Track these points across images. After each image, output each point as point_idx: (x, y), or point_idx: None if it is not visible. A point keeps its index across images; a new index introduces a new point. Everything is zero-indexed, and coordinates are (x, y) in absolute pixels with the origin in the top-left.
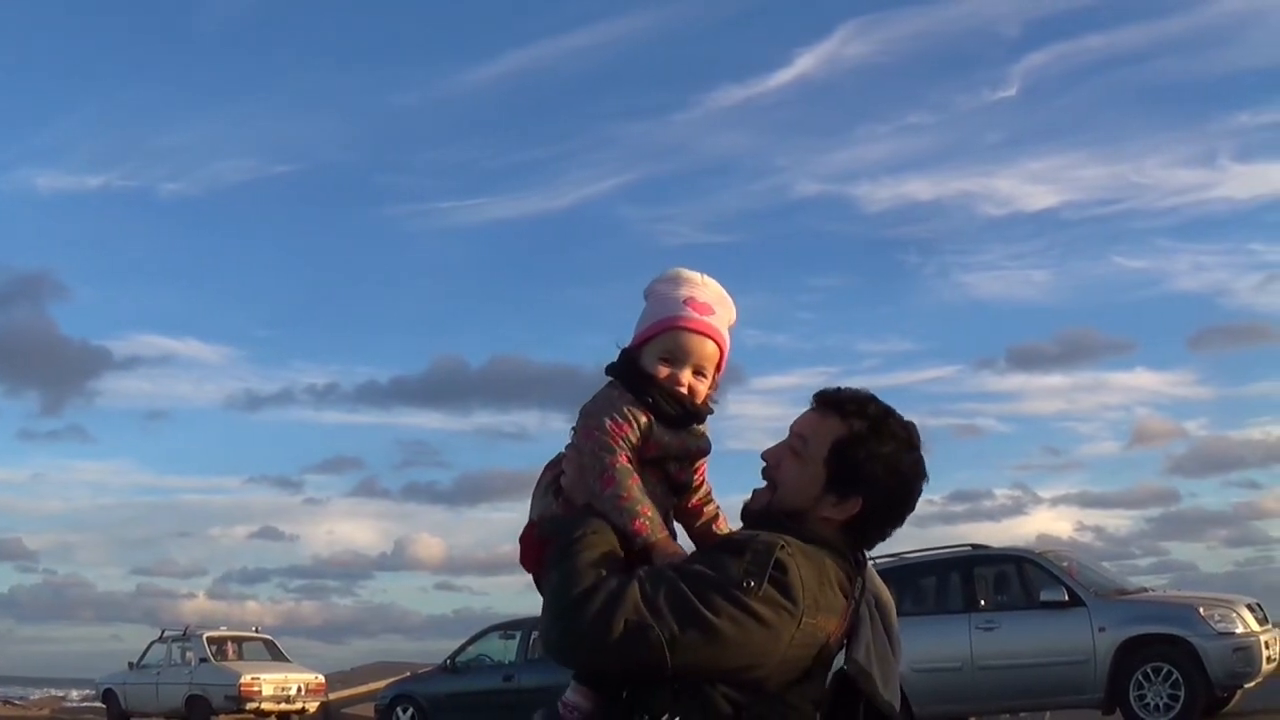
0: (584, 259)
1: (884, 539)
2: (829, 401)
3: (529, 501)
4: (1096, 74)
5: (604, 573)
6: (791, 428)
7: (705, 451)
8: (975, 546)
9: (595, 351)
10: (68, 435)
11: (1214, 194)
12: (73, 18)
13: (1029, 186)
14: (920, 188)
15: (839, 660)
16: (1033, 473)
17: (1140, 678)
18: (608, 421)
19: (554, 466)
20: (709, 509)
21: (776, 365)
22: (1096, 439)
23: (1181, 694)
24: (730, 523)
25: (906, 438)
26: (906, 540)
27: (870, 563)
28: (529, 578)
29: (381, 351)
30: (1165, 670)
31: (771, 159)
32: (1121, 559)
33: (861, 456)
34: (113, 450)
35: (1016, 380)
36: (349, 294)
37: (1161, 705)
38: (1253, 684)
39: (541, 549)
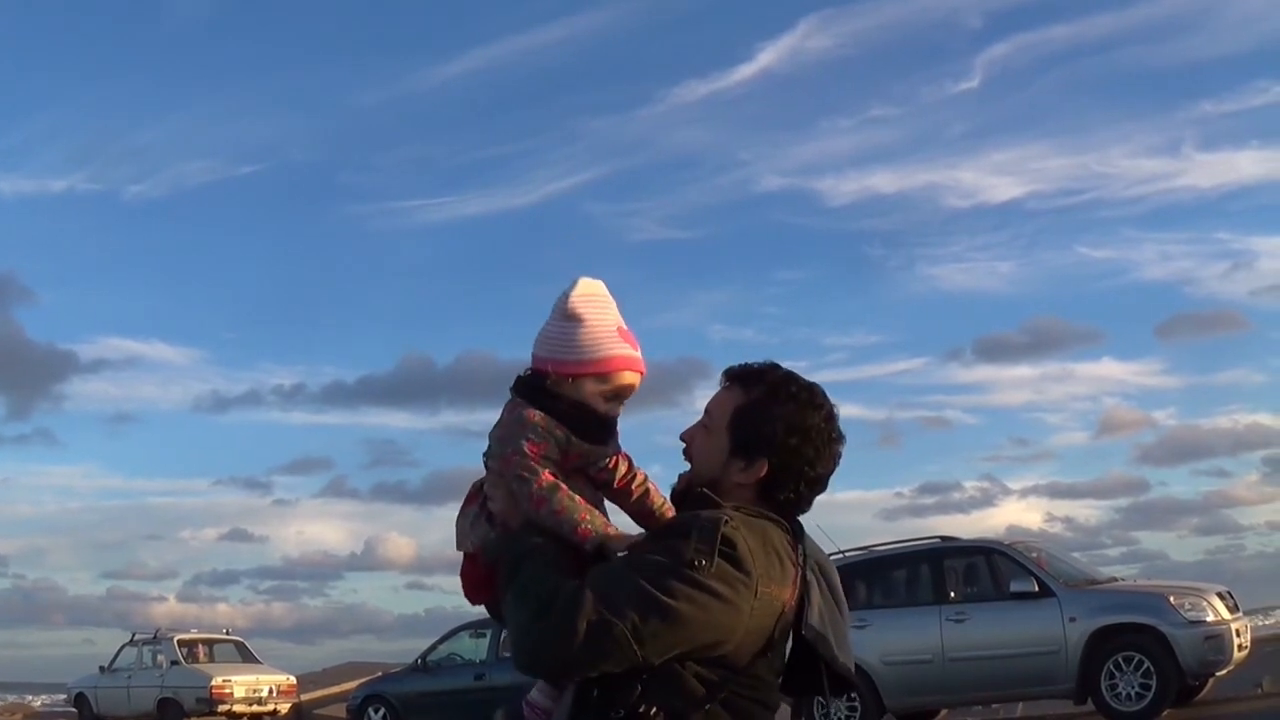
0: (550, 255)
1: (805, 500)
2: (733, 375)
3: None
4: (1059, 64)
5: (556, 581)
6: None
7: (617, 450)
8: (945, 538)
9: None
10: (35, 439)
11: (1179, 183)
12: (33, 20)
13: (993, 178)
14: (884, 180)
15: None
16: (1001, 464)
17: (1111, 667)
18: (525, 444)
19: (474, 495)
20: (636, 485)
21: (743, 359)
22: (1065, 429)
23: (1153, 683)
24: (661, 489)
25: (808, 398)
26: (876, 533)
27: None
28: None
29: (348, 351)
30: (1136, 659)
31: (735, 153)
32: (1091, 549)
33: (760, 419)
34: (80, 454)
35: (984, 372)
36: (315, 294)
37: (1133, 694)
38: (1224, 672)
39: (486, 577)
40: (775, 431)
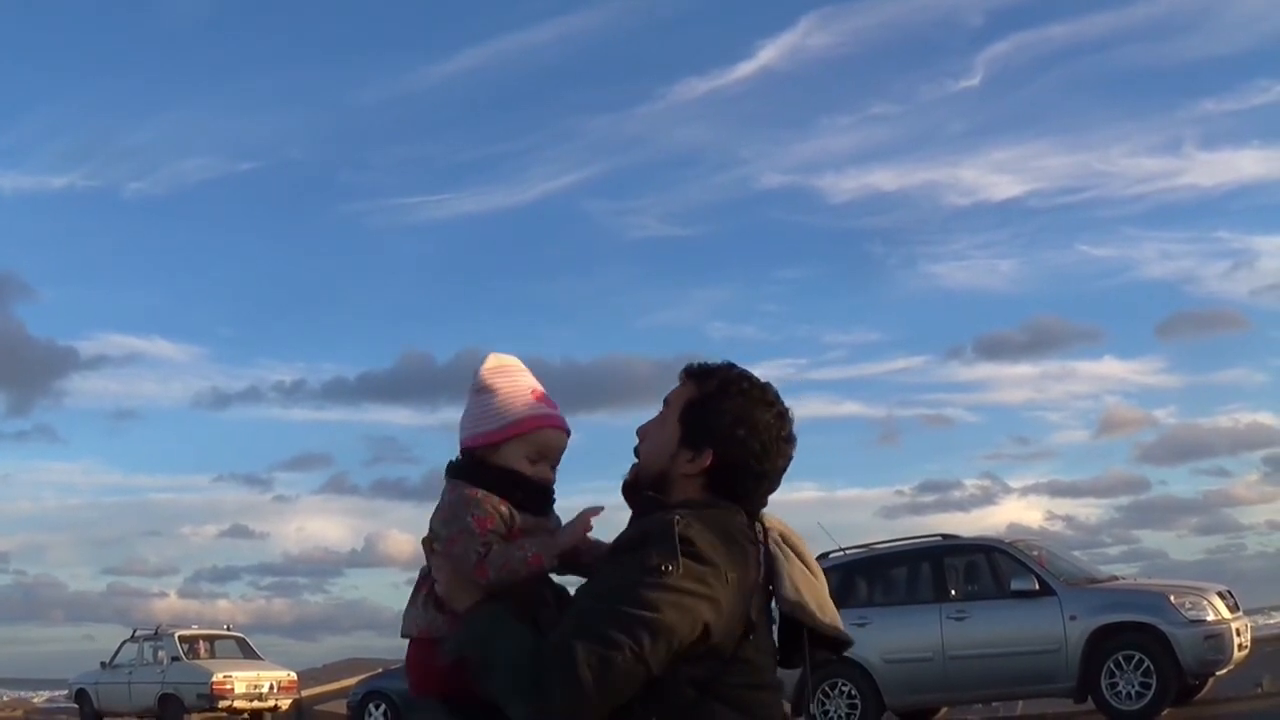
0: (549, 253)
1: (753, 494)
2: (690, 372)
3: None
4: (1060, 62)
5: (533, 643)
6: None
7: (559, 521)
8: (945, 537)
9: (561, 344)
10: (36, 436)
11: (1180, 181)
12: (33, 18)
13: (994, 176)
14: (885, 178)
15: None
16: (1002, 462)
17: (1112, 666)
18: (471, 521)
19: (425, 581)
20: (585, 547)
21: (744, 357)
22: (1065, 428)
23: (1153, 682)
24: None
25: (760, 396)
26: (876, 531)
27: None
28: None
29: (348, 348)
30: (1137, 658)
31: (736, 151)
32: (1092, 548)
33: (709, 410)
34: (81, 450)
35: (984, 370)
36: (315, 291)
37: (1133, 693)
38: (1224, 671)
39: (437, 666)
40: (723, 423)
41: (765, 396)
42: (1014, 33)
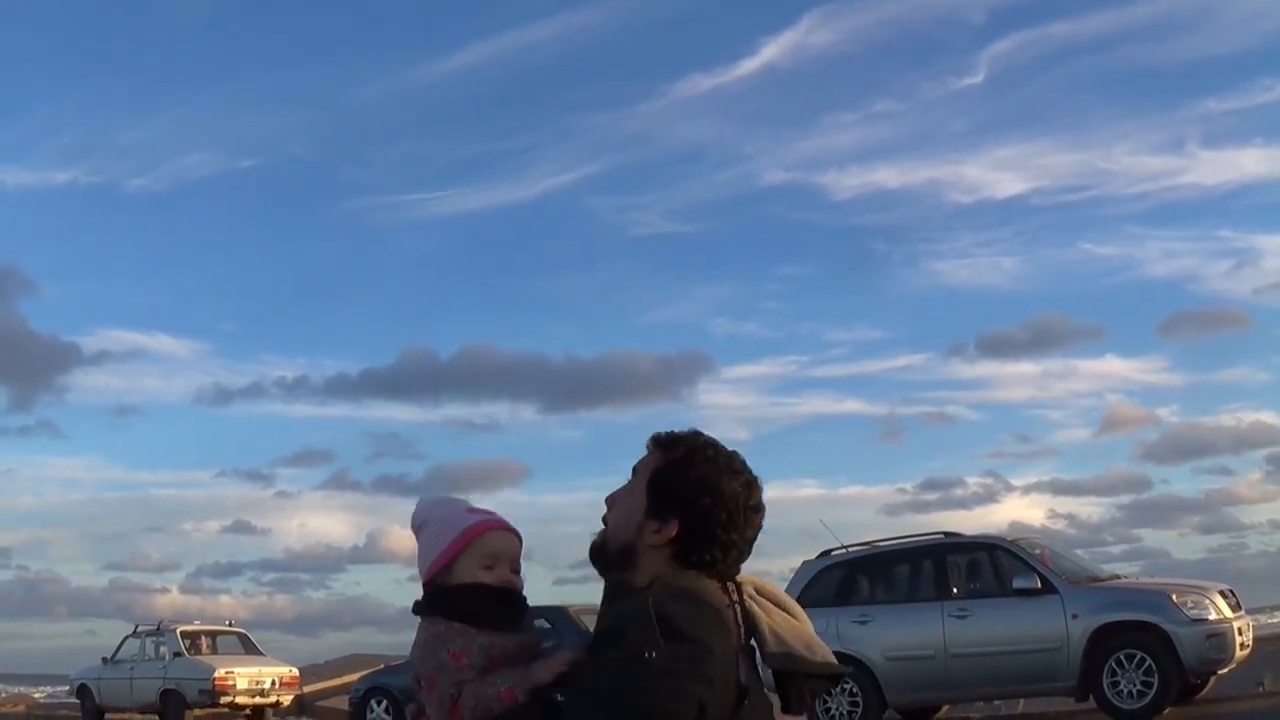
0: (552, 249)
1: (720, 564)
2: (658, 440)
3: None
4: (1063, 61)
5: None
6: None
7: (540, 643)
8: (948, 534)
9: (564, 341)
10: (38, 431)
11: (1183, 180)
12: (36, 15)
13: (997, 174)
14: (888, 176)
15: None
16: (1004, 460)
17: (1113, 665)
18: (448, 656)
19: (422, 716)
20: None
21: (746, 354)
22: (1067, 426)
23: (1155, 681)
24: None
25: (727, 464)
26: (878, 529)
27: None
28: None
29: (351, 344)
30: (1138, 657)
31: (739, 148)
32: (1094, 546)
33: (674, 479)
34: (83, 446)
35: (987, 367)
36: (317, 287)
37: (1135, 692)
38: (1226, 670)
39: None
40: (687, 492)
41: (732, 465)
42: (1016, 31)
